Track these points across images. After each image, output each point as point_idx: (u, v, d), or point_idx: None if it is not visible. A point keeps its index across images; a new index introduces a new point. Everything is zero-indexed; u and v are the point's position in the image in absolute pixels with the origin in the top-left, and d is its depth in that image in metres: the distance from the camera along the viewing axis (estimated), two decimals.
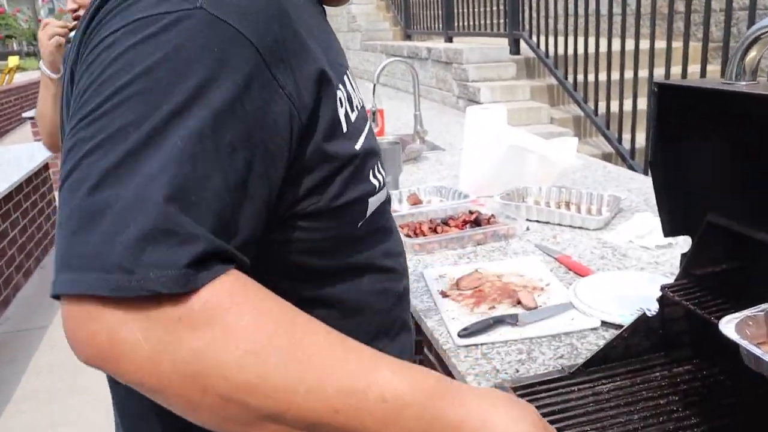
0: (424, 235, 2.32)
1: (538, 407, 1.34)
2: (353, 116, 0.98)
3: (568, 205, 2.68)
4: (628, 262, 2.10)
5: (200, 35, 0.75)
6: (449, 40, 7.17)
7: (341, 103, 0.93)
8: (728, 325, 1.15)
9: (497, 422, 0.71)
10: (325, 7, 1.13)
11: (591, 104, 4.72)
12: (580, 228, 2.44)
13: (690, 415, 1.32)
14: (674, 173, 1.41)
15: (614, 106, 4.44)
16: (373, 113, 4.11)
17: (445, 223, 2.45)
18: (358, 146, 0.96)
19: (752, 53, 1.21)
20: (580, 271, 2.02)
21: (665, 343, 1.53)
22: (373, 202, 1.03)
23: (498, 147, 2.77)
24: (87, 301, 0.61)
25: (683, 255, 1.49)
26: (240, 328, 0.63)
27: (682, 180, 1.42)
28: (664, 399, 1.38)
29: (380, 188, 1.05)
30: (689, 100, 1.34)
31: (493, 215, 2.48)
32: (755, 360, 1.09)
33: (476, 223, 2.40)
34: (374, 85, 4.03)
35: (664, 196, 1.43)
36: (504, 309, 1.80)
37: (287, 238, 0.93)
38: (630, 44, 4.17)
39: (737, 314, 1.17)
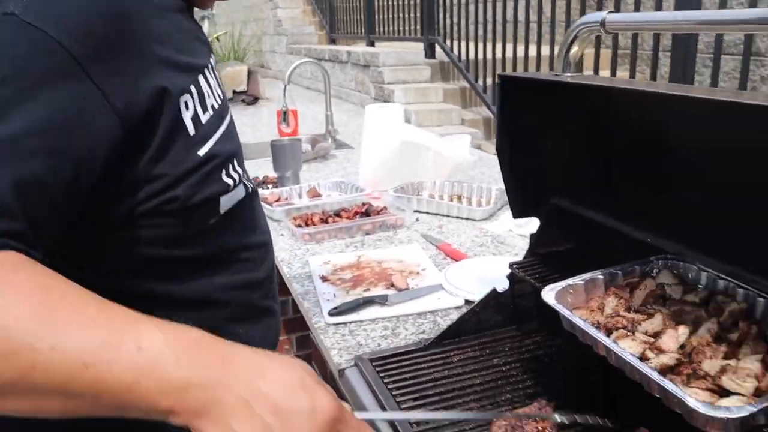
0: (315, 225, 2.39)
1: (392, 376, 1.43)
2: (204, 117, 1.00)
3: (460, 198, 2.80)
4: (504, 249, 2.23)
5: (7, 43, 0.77)
6: (371, 44, 7.29)
7: (188, 107, 0.96)
8: (549, 293, 1.26)
9: (271, 365, 0.70)
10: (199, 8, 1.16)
11: None
12: (466, 219, 2.55)
13: (526, 378, 1.43)
14: (520, 159, 1.52)
15: None
16: (284, 113, 4.16)
17: (337, 214, 2.53)
18: (202, 152, 0.99)
19: (574, 48, 1.34)
20: (457, 257, 2.13)
21: (516, 318, 1.64)
22: (227, 200, 1.08)
23: (393, 143, 2.87)
24: None
25: (532, 235, 1.61)
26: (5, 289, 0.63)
27: (528, 165, 1.53)
28: (507, 366, 1.49)
29: (236, 185, 1.09)
30: (529, 91, 1.45)
31: (385, 207, 2.58)
32: (570, 323, 1.21)
33: (366, 214, 2.49)
34: (285, 86, 4.08)
35: (512, 180, 1.54)
36: (378, 291, 1.88)
37: (136, 236, 0.96)
38: (545, 50, 4.37)
39: (558, 283, 1.29)
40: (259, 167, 3.56)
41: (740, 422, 0.90)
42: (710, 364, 1.00)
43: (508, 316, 1.64)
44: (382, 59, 5.62)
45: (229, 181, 1.07)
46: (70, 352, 0.61)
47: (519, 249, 2.21)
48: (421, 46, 5.96)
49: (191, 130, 0.96)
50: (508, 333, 1.62)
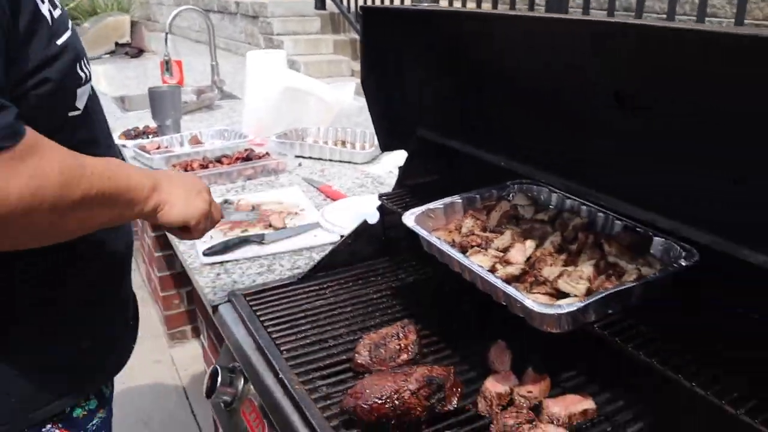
0: (194, 171, 2.35)
1: (265, 309, 1.44)
2: (56, 13, 1.06)
3: (344, 143, 2.81)
4: (384, 189, 2.26)
5: None
6: None
7: (43, 1, 1.01)
8: (409, 217, 1.31)
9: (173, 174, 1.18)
10: None
11: None
12: (348, 162, 2.57)
13: (395, 304, 1.48)
14: (385, 91, 1.54)
15: None
16: (167, 63, 4.01)
17: (218, 160, 2.48)
18: (60, 41, 1.05)
19: None
20: (336, 198, 2.15)
21: (388, 249, 1.69)
22: (81, 93, 1.13)
23: (276, 89, 2.83)
24: None
25: (399, 167, 1.64)
26: (49, 151, 0.91)
27: (393, 97, 1.56)
28: (378, 294, 1.53)
29: (87, 81, 1.15)
30: (390, 22, 1.46)
31: (267, 153, 2.55)
32: (428, 243, 1.25)
33: (248, 159, 2.46)
34: (166, 34, 3.93)
35: (378, 112, 1.56)
36: (255, 231, 1.88)
37: (23, 113, 0.99)
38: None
39: (418, 208, 1.33)
40: (140, 119, 3.43)
41: (571, 317, 0.97)
42: (549, 271, 1.07)
43: (380, 247, 1.68)
44: (270, 9, 5.49)
45: (83, 75, 1.13)
46: (101, 174, 0.99)
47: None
48: None
49: (49, 21, 1.03)
50: (381, 264, 1.66)
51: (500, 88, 1.40)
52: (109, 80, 4.85)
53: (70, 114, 1.12)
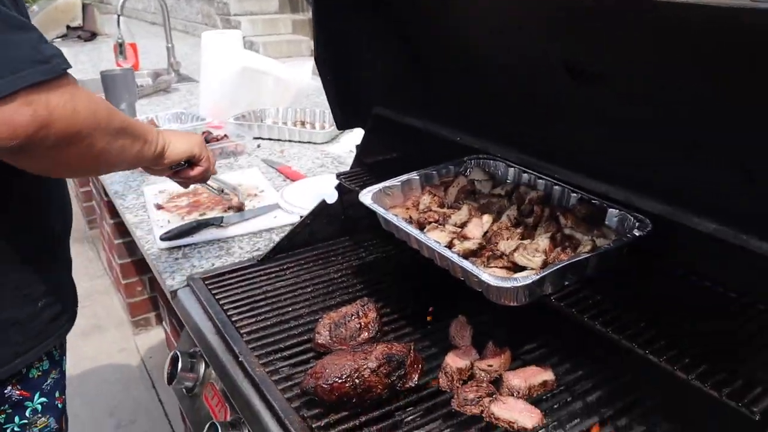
0: None
1: (225, 292, 1.42)
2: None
3: (303, 123, 2.78)
4: (344, 168, 2.24)
5: None
6: None
7: None
8: (366, 195, 1.29)
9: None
10: None
11: None
12: (308, 143, 2.55)
13: (356, 283, 1.48)
14: (340, 69, 1.52)
15: None
16: (120, 45, 3.91)
17: None
18: None
19: None
20: (296, 178, 2.13)
21: (349, 228, 1.68)
22: None
23: (233, 70, 2.78)
24: (18, 96, 0.90)
25: (357, 146, 1.63)
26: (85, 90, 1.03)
27: (349, 75, 1.54)
28: (339, 274, 1.52)
29: None
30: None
31: (225, 135, 2.51)
32: (385, 221, 1.24)
33: (205, 142, 2.41)
34: (118, 16, 3.83)
35: (333, 91, 1.54)
36: (214, 214, 1.85)
37: None
38: None
39: (375, 186, 1.32)
40: None
41: (528, 290, 0.97)
42: (505, 244, 1.07)
43: (340, 227, 1.67)
44: None
45: None
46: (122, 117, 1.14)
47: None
48: None
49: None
50: (341, 243, 1.65)
51: (456, 65, 1.39)
52: None
53: None
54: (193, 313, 1.39)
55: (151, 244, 1.71)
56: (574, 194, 1.22)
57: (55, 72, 0.95)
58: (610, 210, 1.15)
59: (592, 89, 1.12)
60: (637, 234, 1.07)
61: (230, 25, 5.27)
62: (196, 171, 1.44)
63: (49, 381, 1.36)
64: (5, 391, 1.27)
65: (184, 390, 1.41)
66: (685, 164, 1.06)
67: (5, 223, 1.19)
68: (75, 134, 1.00)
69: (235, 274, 1.51)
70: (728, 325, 0.96)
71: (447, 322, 1.28)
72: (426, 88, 1.50)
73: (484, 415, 1.03)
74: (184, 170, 1.42)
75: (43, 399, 1.36)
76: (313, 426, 1.02)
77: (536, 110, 1.28)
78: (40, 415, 1.37)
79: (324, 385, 1.02)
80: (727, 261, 1.04)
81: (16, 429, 1.33)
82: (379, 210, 1.23)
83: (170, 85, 3.74)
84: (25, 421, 1.35)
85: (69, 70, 1.00)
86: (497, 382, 1.11)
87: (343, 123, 1.59)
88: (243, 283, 1.47)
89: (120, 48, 3.89)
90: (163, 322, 2.29)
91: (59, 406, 1.42)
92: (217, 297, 1.42)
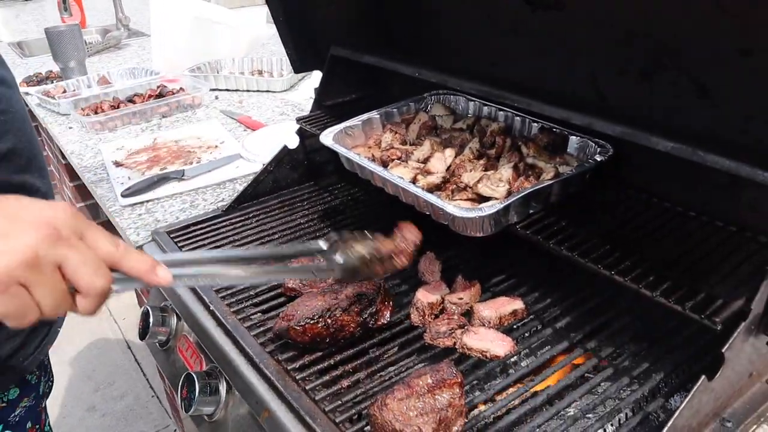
0: (105, 113, 2.24)
1: (190, 244, 1.40)
2: None
3: (261, 72, 2.72)
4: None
5: None
6: None
7: None
8: (327, 136, 1.28)
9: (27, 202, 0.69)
10: None
11: None
12: (266, 91, 2.50)
13: (323, 227, 1.47)
14: (294, 10, 1.48)
15: None
16: (64, 2, 3.77)
17: (130, 100, 2.37)
18: None
19: None
20: (256, 128, 2.09)
21: (313, 173, 1.66)
22: None
23: (184, 21, 2.70)
24: None
25: (315, 88, 1.60)
26: None
27: (305, 14, 1.50)
28: (305, 218, 1.51)
29: None
30: None
31: (182, 89, 2.45)
32: (348, 161, 1.23)
33: (160, 96, 2.36)
34: None
35: (287, 31, 1.50)
36: (174, 168, 1.82)
37: None
38: None
39: (336, 126, 1.31)
40: (42, 64, 3.24)
41: (493, 220, 0.98)
42: (469, 176, 1.07)
43: (304, 172, 1.65)
44: None
45: None
46: None
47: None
48: None
49: None
50: (306, 189, 1.64)
51: (411, 2, 1.36)
52: (4, 25, 4.53)
53: None
54: None
55: (112, 202, 1.68)
56: (535, 124, 1.22)
57: None
58: (572, 137, 1.16)
59: (549, 15, 1.11)
60: (598, 159, 1.07)
61: None
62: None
63: (18, 411, 1.23)
64: None
65: (157, 344, 1.40)
66: (641, 84, 1.06)
67: None
68: None
69: (200, 226, 1.49)
70: (688, 243, 0.98)
71: (416, 260, 1.29)
72: (382, 25, 1.47)
73: (457, 346, 1.04)
74: None
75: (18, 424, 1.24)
76: (288, 368, 1.03)
77: (494, 40, 1.27)
78: None
79: (296, 327, 1.02)
80: (685, 181, 1.05)
81: None
82: (341, 150, 1.22)
83: (120, 41, 3.63)
84: None
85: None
86: (468, 315, 1.12)
87: (299, 66, 1.55)
88: (209, 235, 1.46)
89: (64, 4, 3.75)
90: None
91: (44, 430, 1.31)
92: (183, 249, 1.40)
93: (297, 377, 1.01)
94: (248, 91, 2.53)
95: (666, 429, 0.79)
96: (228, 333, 1.13)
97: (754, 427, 0.91)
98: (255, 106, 2.36)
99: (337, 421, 0.92)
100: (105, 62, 3.29)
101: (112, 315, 3.38)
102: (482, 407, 0.97)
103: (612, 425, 0.92)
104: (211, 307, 1.19)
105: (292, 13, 1.48)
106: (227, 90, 2.55)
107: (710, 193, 1.02)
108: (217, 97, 2.48)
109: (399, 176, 1.08)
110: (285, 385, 0.99)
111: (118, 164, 1.89)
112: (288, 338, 1.05)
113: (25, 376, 1.23)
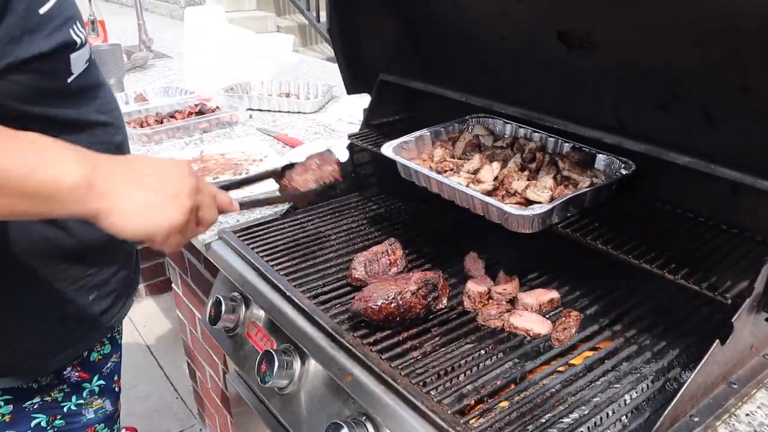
0: (149, 126, 2.43)
1: (256, 242, 1.59)
2: None
3: (288, 94, 2.93)
4: (336, 135, 2.43)
5: None
6: None
7: None
8: (387, 148, 1.49)
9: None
10: None
11: (314, 12, 4.99)
12: (297, 112, 2.71)
13: (373, 231, 1.67)
14: (350, 39, 1.70)
15: None
16: (92, 23, 3.97)
17: (171, 116, 2.57)
18: (43, 9, 1.06)
19: None
20: (295, 144, 2.29)
21: (359, 185, 1.86)
22: (77, 58, 1.16)
23: (218, 45, 2.91)
24: None
25: (365, 109, 1.81)
26: None
27: (358, 45, 1.71)
28: (355, 223, 1.71)
29: (82, 45, 1.18)
30: None
31: (218, 107, 2.65)
32: (407, 170, 1.44)
33: (200, 113, 2.55)
34: None
35: (343, 59, 1.72)
36: (225, 177, 2.01)
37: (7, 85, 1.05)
38: None
39: (393, 141, 1.51)
40: None
41: (541, 219, 1.18)
42: (518, 184, 1.28)
43: (351, 184, 1.85)
44: None
45: (77, 39, 1.15)
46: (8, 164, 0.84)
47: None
48: None
49: None
50: (352, 199, 1.84)
51: (455, 36, 1.58)
52: None
53: (69, 80, 1.15)
54: (232, 261, 1.56)
55: None
56: (567, 144, 1.44)
57: None
58: (599, 155, 1.37)
59: (581, 53, 1.33)
60: (624, 172, 1.29)
61: (194, 1, 5.32)
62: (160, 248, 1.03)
63: (109, 365, 1.48)
64: (64, 373, 1.37)
65: (224, 330, 1.59)
66: (658, 113, 1.28)
67: (57, 227, 1.21)
68: None
69: (262, 227, 1.68)
70: (699, 242, 1.19)
71: (460, 259, 1.49)
72: (427, 55, 1.69)
73: (504, 327, 1.25)
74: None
75: (101, 382, 1.47)
76: (363, 342, 1.22)
77: (530, 72, 1.48)
78: (96, 397, 1.47)
79: (373, 306, 1.22)
80: (694, 192, 1.27)
81: (72, 408, 1.42)
82: (402, 160, 1.42)
83: (147, 62, 3.82)
84: (82, 401, 1.43)
85: None
86: (512, 302, 1.33)
87: (352, 88, 1.76)
88: (271, 235, 1.65)
89: (92, 25, 3.94)
90: (173, 285, 2.44)
91: (116, 389, 1.54)
92: (251, 246, 1.59)
93: (372, 349, 1.20)
94: (279, 111, 2.73)
95: (686, 384, 0.99)
96: (305, 313, 1.32)
97: (754, 390, 1.12)
98: (288, 125, 2.56)
99: (413, 382, 1.11)
100: (132, 81, 3.48)
101: (132, 322, 3.54)
102: (530, 376, 1.17)
103: (636, 392, 1.12)
104: (288, 293, 1.38)
105: (347, 45, 1.70)
106: (260, 110, 2.76)
107: (715, 202, 1.24)
108: (251, 116, 2.68)
109: (458, 182, 1.29)
110: (365, 354, 1.18)
111: None
112: (364, 317, 1.24)
113: (114, 335, 1.46)
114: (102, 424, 1.52)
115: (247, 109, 2.72)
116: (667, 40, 1.18)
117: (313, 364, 1.31)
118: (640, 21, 1.19)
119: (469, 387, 1.12)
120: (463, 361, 1.18)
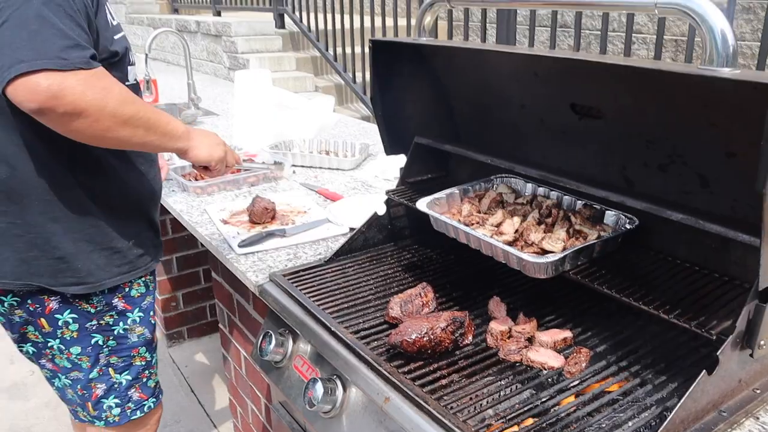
0: (204, 180, 2.68)
1: (303, 285, 1.79)
2: (114, 21, 1.61)
3: (327, 152, 3.18)
4: (373, 191, 2.65)
5: None
6: (217, 13, 7.40)
7: (108, 10, 1.58)
8: (422, 203, 1.69)
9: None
10: None
11: (350, 73, 5.29)
12: (336, 169, 2.95)
13: (407, 277, 1.86)
14: (390, 106, 1.93)
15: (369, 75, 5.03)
16: (147, 82, 4.30)
17: None
18: (117, 36, 1.63)
19: (427, 18, 1.76)
20: (335, 198, 2.52)
21: (394, 236, 2.07)
22: (131, 70, 1.72)
23: (265, 105, 3.18)
24: (40, 72, 1.29)
25: (401, 168, 2.03)
26: (114, 81, 1.44)
27: (396, 111, 1.94)
28: (391, 270, 1.91)
29: (132, 63, 1.75)
30: (394, 51, 1.85)
31: (264, 162, 2.90)
32: (438, 222, 1.64)
33: (247, 162, 2.80)
34: (146, 55, 4.22)
35: (383, 124, 1.95)
36: (274, 227, 2.23)
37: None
38: (389, 21, 4.80)
39: (426, 197, 1.72)
40: None
41: (554, 266, 1.37)
42: (535, 236, 1.47)
43: (387, 234, 2.06)
44: (234, 29, 5.81)
45: (132, 58, 1.75)
46: (147, 107, 1.53)
47: (385, 190, 2.64)
48: (269, 16, 6.21)
49: (110, 22, 1.61)
50: (388, 248, 2.04)
51: (481, 104, 1.81)
52: None
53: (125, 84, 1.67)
54: (283, 301, 1.77)
55: (228, 251, 2.09)
56: (579, 201, 1.63)
57: (71, 66, 1.33)
58: (607, 212, 1.56)
59: (591, 122, 1.54)
60: (628, 227, 1.48)
61: (238, 62, 5.67)
62: (212, 173, 1.86)
63: (145, 302, 1.92)
64: (113, 302, 1.83)
65: (272, 363, 1.78)
66: (659, 175, 1.47)
67: (104, 188, 1.71)
68: (81, 111, 1.35)
69: (308, 272, 1.89)
70: (692, 287, 1.37)
71: (484, 302, 1.67)
72: (457, 121, 1.91)
73: (522, 360, 1.42)
74: (199, 169, 1.85)
75: (140, 314, 1.91)
76: (399, 370, 1.40)
77: (546, 137, 1.69)
78: (138, 325, 1.92)
79: (408, 339, 1.41)
80: (689, 244, 1.45)
81: (121, 331, 1.88)
82: (435, 214, 1.63)
83: (196, 119, 4.13)
84: (127, 327, 1.89)
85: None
86: (530, 340, 1.50)
87: (390, 149, 1.99)
88: (316, 278, 1.85)
89: (147, 84, 4.28)
90: (220, 325, 2.64)
91: (152, 322, 1.95)
92: (298, 287, 1.79)
93: (407, 377, 1.38)
94: (320, 167, 2.97)
95: (676, 408, 1.15)
96: (348, 346, 1.51)
97: (743, 419, 1.27)
98: (329, 181, 2.80)
99: (441, 404, 1.29)
100: None
101: (175, 362, 3.74)
102: (544, 403, 1.33)
103: (637, 418, 1.28)
104: (333, 329, 1.57)
105: (387, 110, 1.93)
106: (302, 166, 3.00)
107: (707, 253, 1.42)
108: (294, 172, 2.92)
109: (483, 234, 1.49)
110: (400, 381, 1.36)
111: (225, 222, 2.31)
112: (400, 348, 1.43)
113: (146, 281, 1.89)
114: (144, 348, 1.97)
115: (293, 166, 2.96)
116: (661, 113, 1.38)
117: (354, 390, 1.50)
118: (640, 97, 1.40)
119: (490, 411, 1.29)
120: (485, 389, 1.36)
